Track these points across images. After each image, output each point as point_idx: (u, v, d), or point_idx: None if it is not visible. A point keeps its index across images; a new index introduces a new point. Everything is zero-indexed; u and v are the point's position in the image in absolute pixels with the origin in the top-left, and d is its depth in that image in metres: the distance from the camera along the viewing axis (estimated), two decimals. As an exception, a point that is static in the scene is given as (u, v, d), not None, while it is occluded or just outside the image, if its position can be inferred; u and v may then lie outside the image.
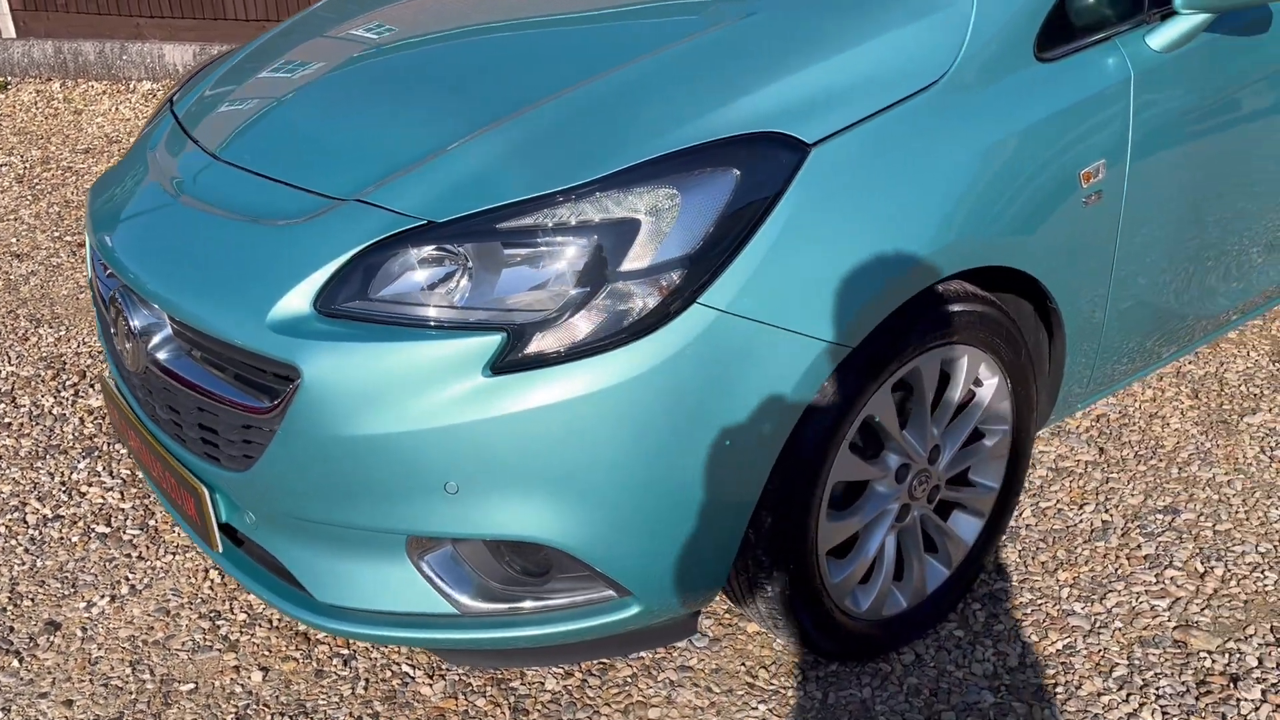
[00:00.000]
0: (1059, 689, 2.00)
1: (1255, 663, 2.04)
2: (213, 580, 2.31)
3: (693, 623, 1.83)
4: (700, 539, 1.66)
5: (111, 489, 2.63)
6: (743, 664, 2.05)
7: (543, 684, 2.00)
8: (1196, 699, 1.97)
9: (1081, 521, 2.46)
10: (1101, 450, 2.74)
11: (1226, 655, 2.06)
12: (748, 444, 1.62)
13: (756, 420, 1.61)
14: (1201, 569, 2.29)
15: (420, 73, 1.99)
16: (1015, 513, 2.48)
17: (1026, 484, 2.58)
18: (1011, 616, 2.17)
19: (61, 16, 6.07)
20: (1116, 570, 2.29)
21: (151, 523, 2.51)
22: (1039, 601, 2.21)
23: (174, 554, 2.39)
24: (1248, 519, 2.46)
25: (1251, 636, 2.11)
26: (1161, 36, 2.00)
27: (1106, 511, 2.49)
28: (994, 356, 1.95)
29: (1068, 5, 1.91)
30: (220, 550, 1.86)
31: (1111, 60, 1.96)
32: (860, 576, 1.93)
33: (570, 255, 1.54)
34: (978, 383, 1.99)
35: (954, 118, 1.76)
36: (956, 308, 1.84)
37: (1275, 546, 2.36)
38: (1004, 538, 2.39)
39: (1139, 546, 2.37)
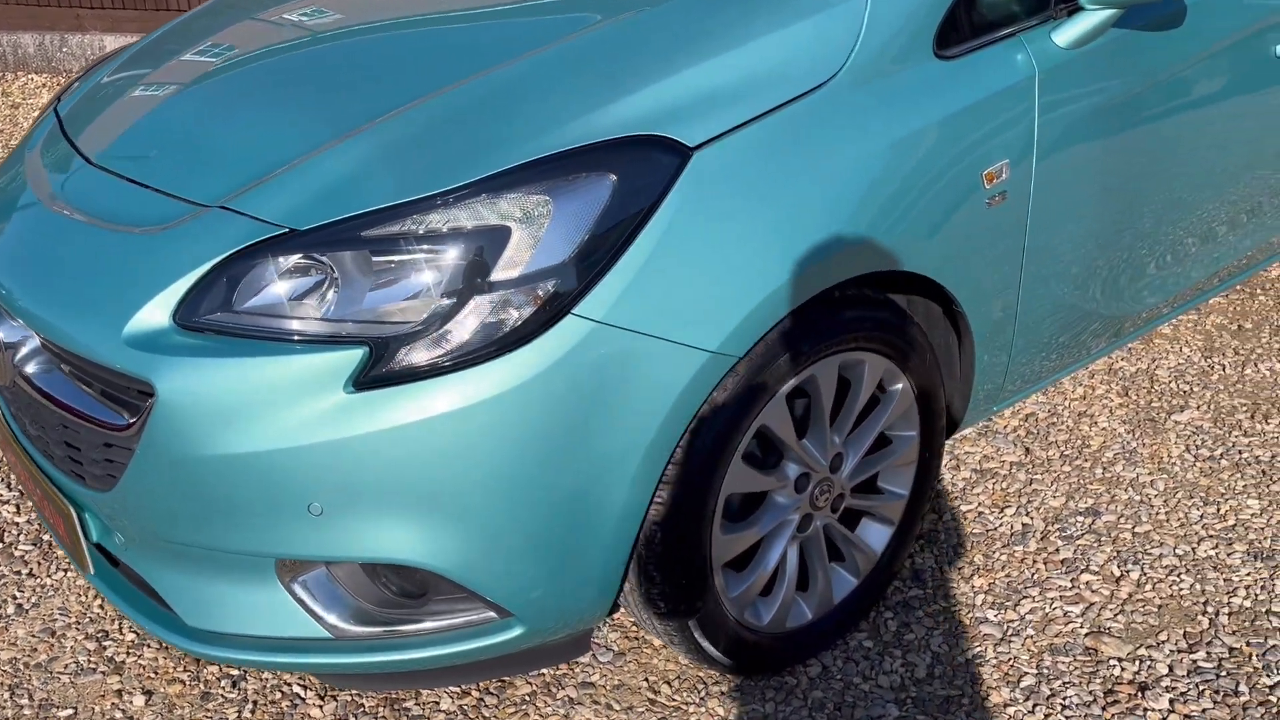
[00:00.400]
0: (965, 700, 1.96)
1: (1165, 670, 2.01)
2: (103, 599, 2.23)
3: (586, 640, 1.77)
4: (584, 557, 1.60)
5: (8, 501, 2.54)
6: (646, 679, 1.99)
7: (437, 704, 1.94)
8: (1103, 709, 1.93)
9: (1001, 525, 2.42)
10: (1027, 450, 2.71)
11: (1137, 663, 2.03)
12: (630, 459, 1.56)
13: (638, 434, 1.55)
14: (1118, 573, 2.26)
15: (299, 73, 1.92)
16: (936, 516, 2.44)
17: (949, 487, 2.54)
18: (923, 625, 2.12)
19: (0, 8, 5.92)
20: (1033, 575, 2.26)
21: (46, 538, 2.42)
22: (952, 609, 2.17)
23: (66, 570, 2.30)
24: (1168, 520, 2.43)
25: (1164, 643, 2.08)
26: (1068, 33, 1.95)
27: (1027, 514, 2.46)
28: (898, 362, 1.90)
29: (969, 1, 1.86)
30: (92, 571, 1.78)
31: (1016, 57, 1.91)
32: (761, 589, 1.88)
33: (438, 264, 1.48)
34: (882, 389, 1.95)
35: (848, 117, 1.71)
36: (854, 313, 1.79)
37: (1193, 549, 2.33)
38: (922, 542, 2.35)
39: (1057, 550, 2.34)
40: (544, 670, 1.99)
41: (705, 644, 1.80)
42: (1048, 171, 1.98)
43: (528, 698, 1.95)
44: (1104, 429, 2.80)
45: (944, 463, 2.63)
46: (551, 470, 1.52)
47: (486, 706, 1.93)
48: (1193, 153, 2.32)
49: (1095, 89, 2.02)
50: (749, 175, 1.61)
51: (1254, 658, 2.03)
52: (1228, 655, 2.04)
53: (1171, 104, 2.22)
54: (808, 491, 1.87)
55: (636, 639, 2.09)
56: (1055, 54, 1.95)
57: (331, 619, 1.60)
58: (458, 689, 1.96)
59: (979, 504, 2.49)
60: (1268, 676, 1.98)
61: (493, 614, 1.61)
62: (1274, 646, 2.05)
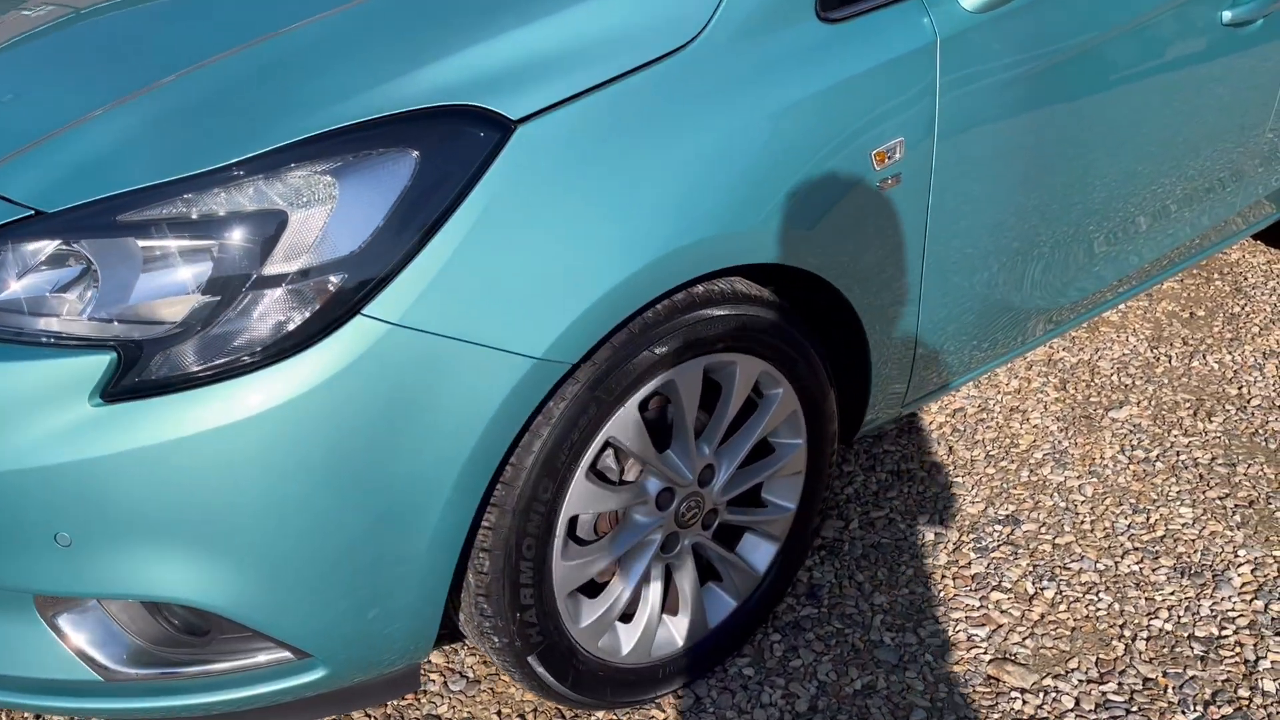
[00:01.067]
0: (848, 739, 1.78)
1: (1071, 704, 1.83)
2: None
3: (414, 676, 1.58)
4: (395, 590, 1.40)
5: None
6: (499, 711, 1.80)
7: (263, 739, 1.74)
8: (999, 750, 1.76)
9: (912, 534, 2.23)
10: (950, 450, 2.52)
11: (1041, 695, 1.84)
12: (443, 480, 1.36)
13: (451, 452, 1.35)
14: (1031, 590, 2.08)
15: (67, 42, 1.67)
16: (843, 524, 2.25)
17: (860, 490, 2.34)
18: (812, 650, 1.94)
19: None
20: (939, 593, 2.07)
21: None
22: (847, 631, 1.98)
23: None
24: (1092, 530, 2.24)
25: (1073, 672, 1.89)
26: (975, -7, 1.74)
27: (941, 523, 2.27)
28: (776, 364, 1.70)
29: (858, -44, 1.64)
30: None
31: (916, 21, 1.69)
32: (618, 615, 1.68)
33: (201, 255, 1.26)
34: (759, 393, 1.75)
35: (709, 89, 1.49)
36: (719, 312, 1.58)
37: (1116, 563, 2.15)
38: (823, 553, 2.16)
39: (969, 564, 2.15)
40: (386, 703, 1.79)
41: (550, 679, 1.61)
42: (953, 151, 1.77)
43: (363, 733, 1.75)
44: (1035, 426, 2.60)
45: (859, 464, 2.44)
46: (341, 495, 1.31)
47: (316, 743, 1.73)
48: (1131, 127, 2.11)
49: (1010, 58, 1.81)
50: (586, 154, 1.39)
51: (1170, 690, 1.85)
52: (1141, 687, 1.86)
53: (1105, 75, 2.00)
54: (672, 508, 1.67)
55: (493, 665, 1.90)
56: (962, 18, 1.73)
57: (102, 659, 1.40)
58: (288, 721, 1.76)
59: (891, 510, 2.30)
60: (1183, 714, 1.80)
61: (288, 654, 1.41)
62: (1193, 678, 1.87)
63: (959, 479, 2.41)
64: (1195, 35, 2.19)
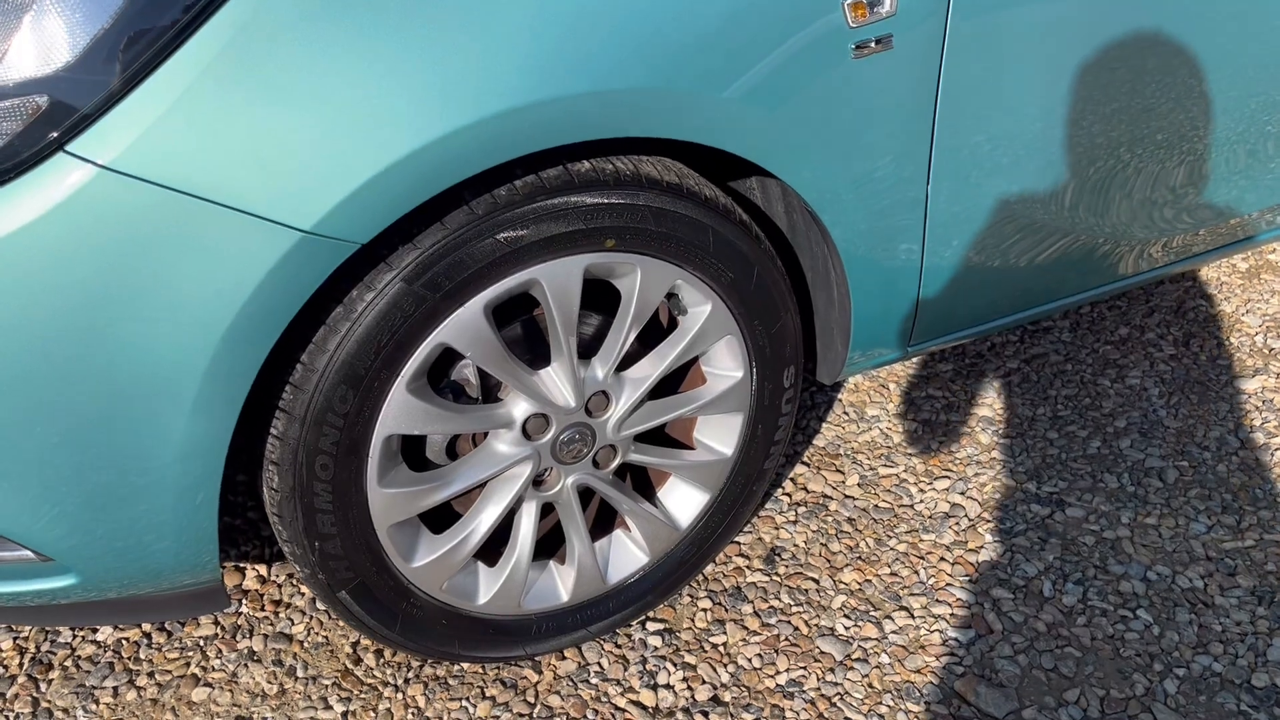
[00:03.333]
0: (747, 744, 1.44)
1: (1048, 750, 1.42)
2: None
3: (219, 594, 1.35)
4: (143, 500, 1.16)
5: None
6: (353, 644, 1.56)
7: (93, 636, 1.58)
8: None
9: (922, 502, 1.82)
10: (1010, 404, 2.06)
11: (1011, 732, 1.45)
12: (185, 373, 1.09)
13: (193, 340, 1.08)
14: (1048, 591, 1.64)
15: None
16: (841, 477, 1.86)
17: (876, 438, 1.94)
18: (743, 626, 1.59)
19: None
20: (927, 578, 1.67)
21: None
22: (794, 609, 1.62)
23: None
24: (1157, 527, 1.76)
25: (1066, 706, 1.47)
26: None
27: (964, 492, 1.84)
28: (699, 272, 1.33)
29: None
30: None
31: None
32: (469, 554, 1.38)
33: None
34: (682, 308, 1.38)
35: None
36: (606, 199, 1.22)
37: (1174, 573, 1.67)
38: (804, 510, 1.79)
39: (980, 548, 1.73)
40: (245, 609, 1.59)
41: (370, 621, 1.35)
42: (979, 13, 1.30)
43: (205, 640, 1.56)
44: (1130, 388, 2.10)
45: (887, 407, 2.02)
46: (55, 380, 1.07)
47: (152, 646, 1.55)
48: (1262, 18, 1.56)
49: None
50: (402, -31, 1.05)
51: (1191, 753, 1.41)
52: (1152, 743, 1.43)
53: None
54: (547, 439, 1.36)
55: (385, 584, 1.66)
56: None
57: None
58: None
59: (906, 469, 1.89)
60: (1197, 788, 1.37)
61: (29, 554, 1.21)
62: (1226, 743, 1.42)
63: (1008, 441, 1.96)
64: None
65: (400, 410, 1.23)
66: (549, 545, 1.52)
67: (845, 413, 2.02)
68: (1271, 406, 2.06)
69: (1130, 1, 1.41)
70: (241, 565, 1.66)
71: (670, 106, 1.18)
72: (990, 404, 2.06)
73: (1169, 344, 2.24)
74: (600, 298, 1.38)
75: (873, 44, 1.26)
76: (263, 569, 1.66)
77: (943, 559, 1.71)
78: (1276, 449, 1.94)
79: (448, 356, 1.31)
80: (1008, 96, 1.40)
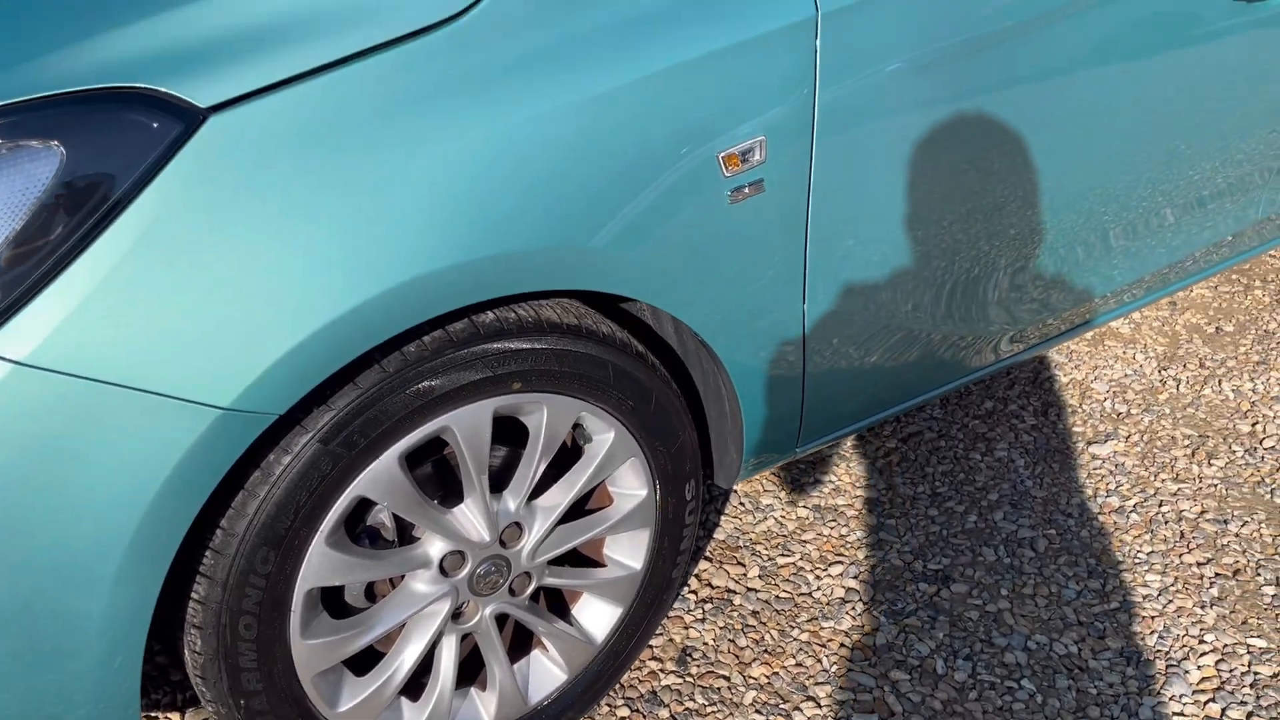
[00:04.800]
0: None
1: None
2: None
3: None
4: (62, 675, 1.17)
5: None
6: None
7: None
8: None
9: (819, 590, 1.92)
10: (891, 484, 2.19)
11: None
12: (105, 554, 1.11)
13: (114, 521, 1.10)
14: (941, 669, 1.75)
15: None
16: (742, 569, 1.95)
17: (774, 528, 2.03)
18: (662, 731, 1.66)
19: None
20: (829, 667, 1.76)
21: None
22: (709, 709, 1.69)
23: None
24: (1033, 597, 1.90)
25: (967, 782, 1.58)
26: (874, -46, 1.39)
27: (857, 577, 1.95)
28: (602, 404, 1.41)
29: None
30: None
31: (786, -13, 1.36)
32: (393, 693, 1.42)
33: None
34: (587, 436, 1.46)
35: (487, 72, 1.19)
36: (515, 345, 1.30)
37: (1050, 641, 1.81)
38: (710, 607, 1.87)
39: (875, 630, 1.84)
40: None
41: (298, 771, 1.37)
42: (840, 153, 1.43)
43: (121, 800, 1.53)
44: (999, 460, 2.26)
45: (780, 495, 2.13)
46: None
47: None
48: (1120, 106, 1.74)
49: (930, 27, 1.46)
50: (308, 153, 1.11)
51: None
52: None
53: (1071, 45, 1.63)
54: (464, 574, 1.40)
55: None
56: (855, -14, 1.39)
57: None
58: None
59: (803, 557, 1.99)
60: None
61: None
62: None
63: (893, 521, 2.09)
64: (1202, 10, 1.80)
65: (320, 564, 1.27)
66: (470, 669, 1.55)
67: (742, 503, 2.12)
68: (1124, 470, 2.24)
69: (972, 110, 1.56)
70: (154, 715, 1.64)
71: (566, 263, 1.26)
72: (874, 485, 2.18)
73: (1030, 414, 2.42)
74: (508, 428, 1.44)
75: (746, 189, 1.38)
76: (176, 717, 1.64)
77: (843, 645, 1.81)
78: (1131, 511, 2.12)
79: (364, 503, 1.35)
80: (871, 212, 1.53)
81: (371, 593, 1.42)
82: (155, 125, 1.06)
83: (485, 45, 1.19)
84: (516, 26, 1.21)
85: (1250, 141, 2.04)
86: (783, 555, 1.99)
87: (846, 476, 2.21)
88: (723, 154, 1.34)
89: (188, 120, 1.07)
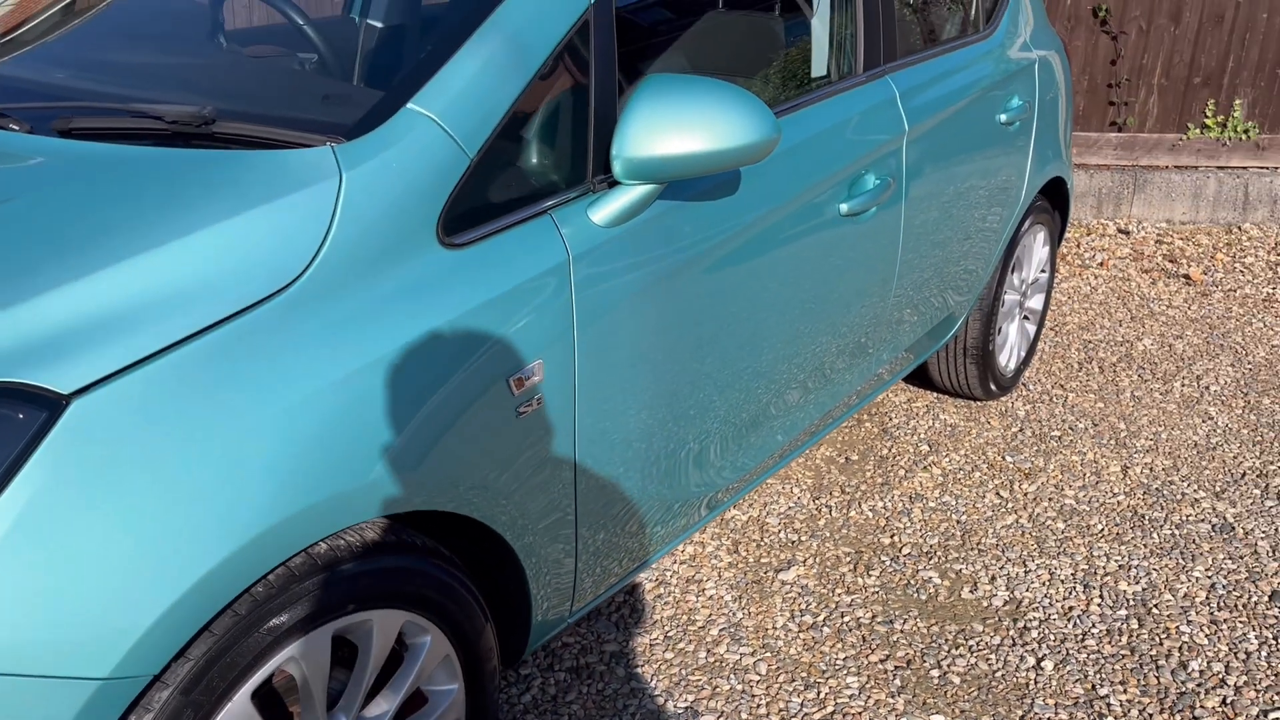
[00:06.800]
0: None
1: None
2: None
3: None
4: None
5: None
6: None
7: None
8: None
9: (592, 744, 2.12)
10: (629, 635, 2.45)
11: None
12: None
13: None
14: (713, 797, 2.02)
15: None
16: (519, 742, 2.10)
17: (538, 696, 2.21)
18: None
19: None
20: (621, 812, 1.96)
21: None
22: None
23: None
24: (766, 716, 2.23)
25: None
26: (606, 209, 1.72)
27: (621, 726, 2.18)
28: (422, 612, 1.55)
29: (481, 179, 1.57)
30: None
31: (546, 240, 1.64)
32: None
33: None
34: (404, 644, 1.59)
35: (315, 334, 1.35)
36: (348, 569, 1.42)
37: (791, 751, 2.14)
38: (499, 783, 2.00)
39: (650, 773, 2.06)
40: None
41: None
42: (596, 365, 1.72)
43: None
44: (711, 598, 2.60)
45: (537, 664, 2.31)
46: None
47: None
48: (774, 308, 2.19)
49: (645, 268, 1.81)
50: (162, 427, 1.20)
51: None
52: None
53: (738, 268, 2.06)
54: (306, 797, 1.46)
55: None
56: (594, 233, 1.71)
57: None
58: None
59: (571, 717, 2.18)
60: None
61: None
62: None
63: (639, 668, 2.34)
64: (819, 226, 2.33)
65: (181, 818, 1.28)
66: None
67: (504, 676, 2.26)
68: (808, 590, 2.66)
69: (674, 319, 1.92)
70: None
71: (386, 495, 1.42)
72: (614, 640, 2.43)
73: (724, 553, 2.80)
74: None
75: (530, 405, 1.61)
76: None
77: (625, 792, 2.00)
78: (822, 625, 2.53)
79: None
80: (625, 404, 1.82)
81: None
82: (20, 416, 1.11)
83: (314, 308, 1.35)
84: (332, 294, 1.38)
85: (854, 315, 2.62)
86: (552, 717, 2.16)
87: (590, 634, 2.43)
88: (512, 378, 1.57)
89: (51, 408, 1.13)
